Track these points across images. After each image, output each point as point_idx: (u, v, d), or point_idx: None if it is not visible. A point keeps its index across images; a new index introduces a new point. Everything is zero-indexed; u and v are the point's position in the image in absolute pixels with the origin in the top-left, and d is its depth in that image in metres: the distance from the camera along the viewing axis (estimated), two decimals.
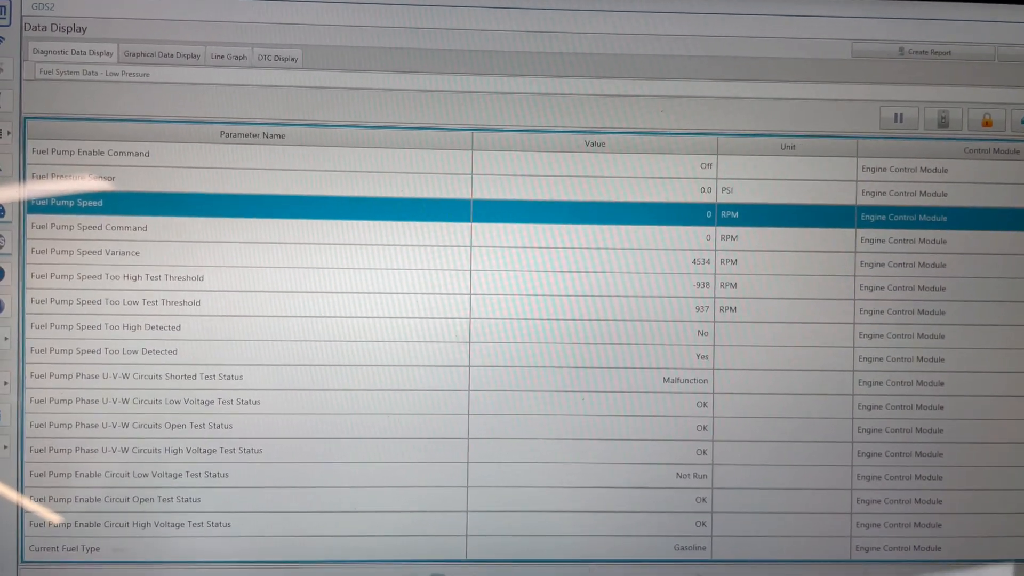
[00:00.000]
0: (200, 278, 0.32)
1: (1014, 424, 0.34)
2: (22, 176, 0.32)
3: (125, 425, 0.32)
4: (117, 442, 0.32)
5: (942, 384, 0.34)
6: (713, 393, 0.34)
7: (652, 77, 0.33)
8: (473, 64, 0.33)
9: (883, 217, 0.34)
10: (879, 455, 0.34)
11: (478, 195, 0.33)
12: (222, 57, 0.33)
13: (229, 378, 0.33)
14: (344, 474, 0.33)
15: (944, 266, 0.34)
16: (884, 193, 0.34)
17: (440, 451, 0.33)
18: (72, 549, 0.33)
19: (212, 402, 0.33)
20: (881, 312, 0.34)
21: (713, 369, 0.34)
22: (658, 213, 0.33)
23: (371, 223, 0.33)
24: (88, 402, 0.32)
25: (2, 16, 0.32)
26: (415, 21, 0.33)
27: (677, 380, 0.34)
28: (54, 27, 0.32)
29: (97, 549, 0.33)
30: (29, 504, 0.32)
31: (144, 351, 0.32)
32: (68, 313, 0.32)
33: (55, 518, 0.33)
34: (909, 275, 0.34)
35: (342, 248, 0.33)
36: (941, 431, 0.34)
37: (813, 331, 0.34)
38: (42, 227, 0.32)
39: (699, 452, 0.34)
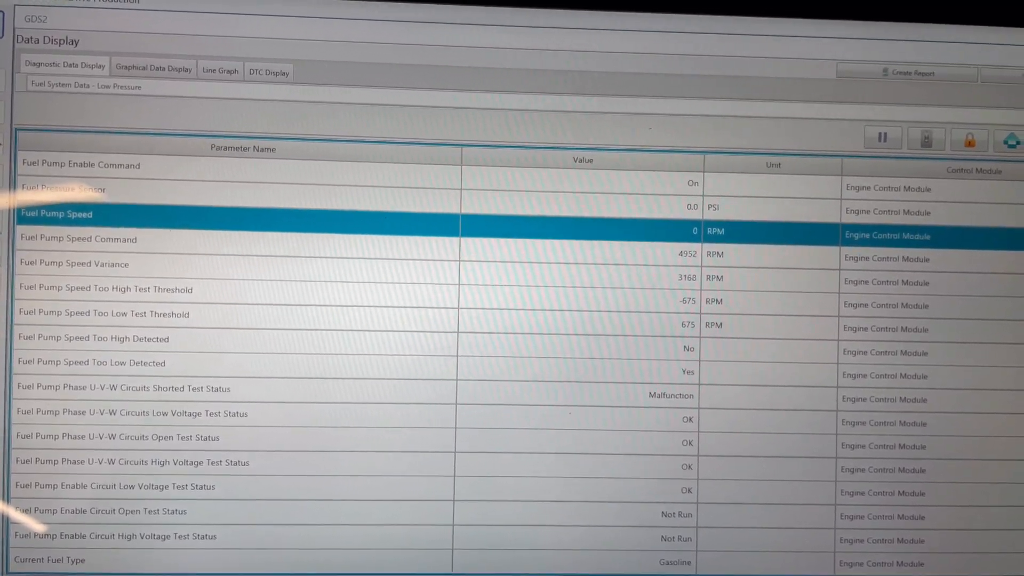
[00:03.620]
0: (189, 290, 0.33)
1: (997, 441, 0.35)
2: (12, 187, 0.32)
3: (112, 437, 0.32)
4: (104, 454, 0.32)
5: (925, 401, 0.34)
6: (699, 408, 0.34)
7: (640, 95, 0.34)
8: (463, 80, 0.33)
9: (867, 235, 0.34)
10: (863, 471, 0.34)
11: (467, 210, 0.33)
12: (214, 71, 0.33)
13: (217, 390, 0.33)
14: (330, 487, 0.33)
15: (927, 284, 0.34)
16: (868, 211, 0.34)
17: (427, 464, 0.33)
18: (57, 560, 0.33)
19: (199, 414, 0.33)
20: (865, 329, 0.34)
21: (699, 384, 0.34)
22: (645, 229, 0.34)
23: (360, 237, 0.33)
24: (75, 413, 0.32)
25: None
26: (406, 38, 0.33)
27: (663, 395, 0.34)
28: (46, 39, 0.32)
29: (82, 560, 0.33)
30: (14, 515, 0.32)
31: (132, 363, 0.32)
32: (56, 324, 0.32)
33: (40, 529, 0.32)
34: (893, 293, 0.34)
35: (331, 261, 0.33)
36: (924, 448, 0.34)
37: (798, 347, 0.34)
38: (32, 238, 0.32)
39: (684, 467, 0.34)
